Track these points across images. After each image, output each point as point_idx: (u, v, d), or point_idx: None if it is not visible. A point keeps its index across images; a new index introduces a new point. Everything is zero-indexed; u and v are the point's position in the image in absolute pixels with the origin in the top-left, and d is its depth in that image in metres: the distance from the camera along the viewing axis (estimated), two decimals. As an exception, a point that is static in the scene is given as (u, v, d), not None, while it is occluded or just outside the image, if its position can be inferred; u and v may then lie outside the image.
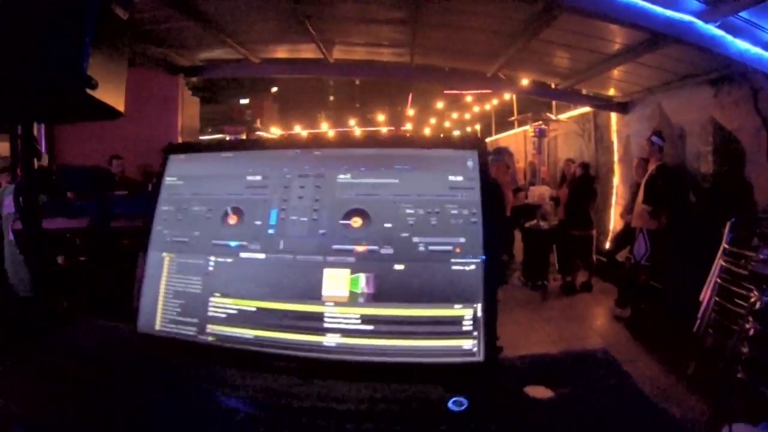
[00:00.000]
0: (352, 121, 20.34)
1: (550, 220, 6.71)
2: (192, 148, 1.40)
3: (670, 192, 4.80)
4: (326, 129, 23.05)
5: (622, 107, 6.66)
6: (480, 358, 1.05)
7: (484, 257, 1.08)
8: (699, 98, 4.97)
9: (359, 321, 1.09)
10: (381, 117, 20.62)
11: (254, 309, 1.13)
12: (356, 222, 1.13)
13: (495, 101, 14.30)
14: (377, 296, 1.09)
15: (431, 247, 1.10)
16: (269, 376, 1.13)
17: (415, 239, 1.10)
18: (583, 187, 6.18)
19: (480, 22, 4.68)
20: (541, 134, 7.43)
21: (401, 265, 1.09)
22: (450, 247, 1.09)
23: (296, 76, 6.57)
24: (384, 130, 22.93)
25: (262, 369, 1.13)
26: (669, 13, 3.32)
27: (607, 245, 6.58)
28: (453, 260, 1.09)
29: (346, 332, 1.09)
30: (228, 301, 1.15)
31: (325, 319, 1.10)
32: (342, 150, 1.28)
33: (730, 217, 3.62)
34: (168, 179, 1.28)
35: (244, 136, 9.21)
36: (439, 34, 5.20)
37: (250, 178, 1.22)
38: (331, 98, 42.83)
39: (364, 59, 6.67)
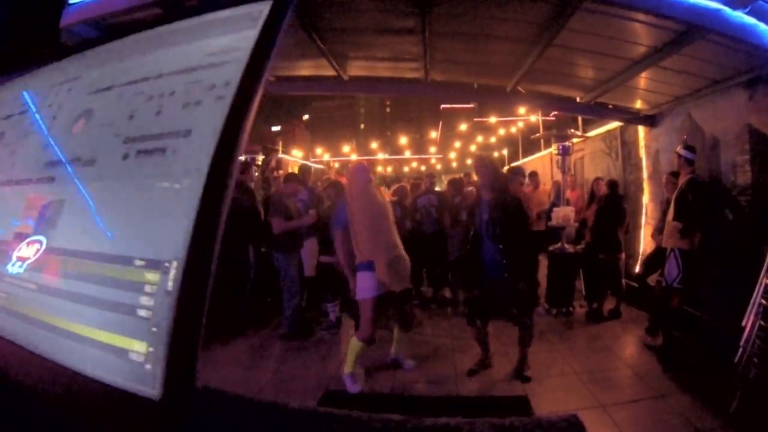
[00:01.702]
0: (374, 144, 20.47)
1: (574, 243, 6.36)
2: None
3: (703, 207, 4.41)
4: (354, 156, 23.23)
5: (650, 120, 6.32)
6: (154, 390, 0.53)
7: (208, 168, 0.59)
8: (732, 104, 4.61)
9: (27, 272, 0.74)
10: (403, 140, 20.71)
11: None
12: (79, 126, 0.82)
13: (521, 124, 14.22)
14: (58, 234, 0.74)
15: (139, 147, 0.69)
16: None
17: (125, 140, 0.72)
18: (610, 207, 5.83)
19: (492, 28, 4.49)
20: (564, 152, 7.07)
21: (101, 182, 0.72)
22: (162, 145, 0.65)
23: (311, 94, 6.50)
24: (407, 154, 22.99)
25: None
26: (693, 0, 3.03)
27: (637, 269, 6.14)
28: (162, 172, 0.63)
29: (13, 291, 0.76)
30: None
31: (6, 268, 0.77)
32: (115, 42, 0.93)
33: (774, 231, 3.25)
34: None
35: (260, 156, 9.20)
36: (452, 44, 5.04)
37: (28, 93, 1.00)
38: (362, 126, 43.71)
39: (379, 75, 6.57)
